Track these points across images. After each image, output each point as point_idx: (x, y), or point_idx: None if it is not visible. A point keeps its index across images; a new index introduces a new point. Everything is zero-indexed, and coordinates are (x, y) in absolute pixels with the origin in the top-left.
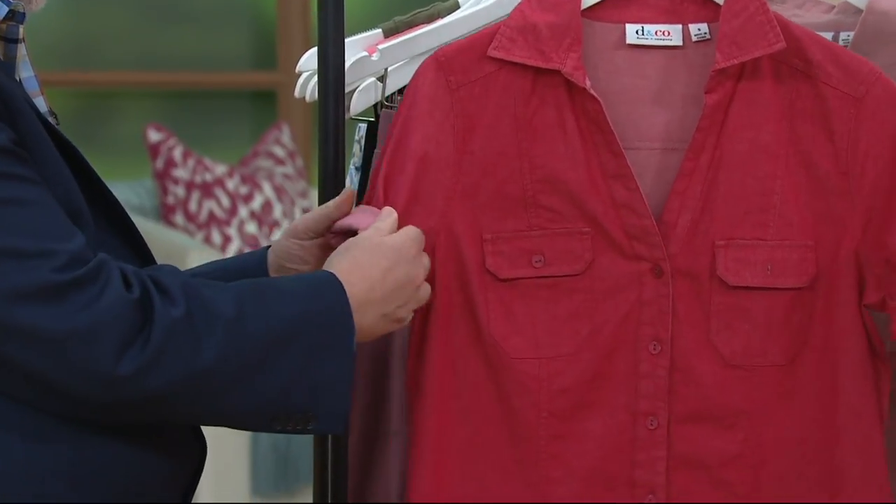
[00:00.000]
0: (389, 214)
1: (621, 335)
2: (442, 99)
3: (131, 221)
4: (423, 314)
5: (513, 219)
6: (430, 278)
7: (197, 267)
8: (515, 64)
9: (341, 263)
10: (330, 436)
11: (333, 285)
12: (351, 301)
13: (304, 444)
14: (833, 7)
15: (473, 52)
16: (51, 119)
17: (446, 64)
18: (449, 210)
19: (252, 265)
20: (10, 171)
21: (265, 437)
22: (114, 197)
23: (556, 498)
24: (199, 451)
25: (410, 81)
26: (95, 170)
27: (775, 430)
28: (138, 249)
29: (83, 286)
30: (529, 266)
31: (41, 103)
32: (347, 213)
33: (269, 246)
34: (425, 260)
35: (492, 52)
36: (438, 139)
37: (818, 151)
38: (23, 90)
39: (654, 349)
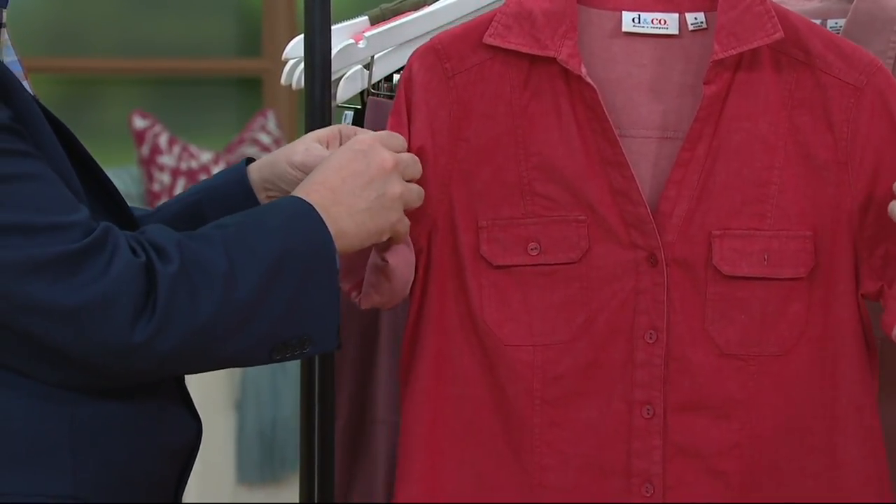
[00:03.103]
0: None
1: (617, 324)
2: (438, 86)
3: (124, 201)
4: (419, 301)
5: (508, 206)
6: (426, 265)
7: (182, 194)
8: (511, 51)
9: (305, 184)
10: (317, 424)
11: (307, 211)
12: (319, 212)
13: (290, 432)
14: None
15: (469, 39)
16: None
17: (442, 51)
18: (445, 197)
19: (234, 187)
20: (12, 147)
21: (251, 424)
22: (106, 177)
23: (550, 485)
24: (194, 427)
25: (406, 68)
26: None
27: (772, 419)
28: (132, 229)
29: (93, 256)
30: (525, 253)
31: (27, 87)
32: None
33: (247, 161)
34: (393, 153)
35: (487, 40)
36: (434, 127)
37: (817, 141)
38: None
39: (650, 338)
